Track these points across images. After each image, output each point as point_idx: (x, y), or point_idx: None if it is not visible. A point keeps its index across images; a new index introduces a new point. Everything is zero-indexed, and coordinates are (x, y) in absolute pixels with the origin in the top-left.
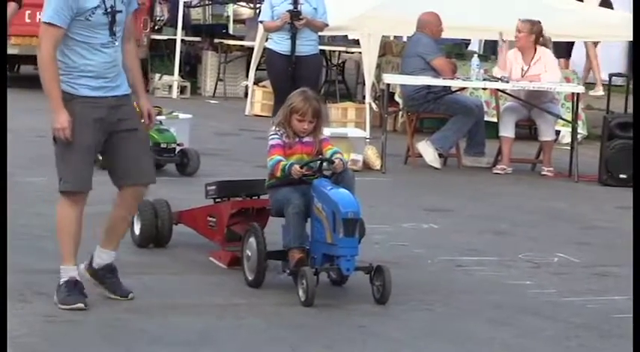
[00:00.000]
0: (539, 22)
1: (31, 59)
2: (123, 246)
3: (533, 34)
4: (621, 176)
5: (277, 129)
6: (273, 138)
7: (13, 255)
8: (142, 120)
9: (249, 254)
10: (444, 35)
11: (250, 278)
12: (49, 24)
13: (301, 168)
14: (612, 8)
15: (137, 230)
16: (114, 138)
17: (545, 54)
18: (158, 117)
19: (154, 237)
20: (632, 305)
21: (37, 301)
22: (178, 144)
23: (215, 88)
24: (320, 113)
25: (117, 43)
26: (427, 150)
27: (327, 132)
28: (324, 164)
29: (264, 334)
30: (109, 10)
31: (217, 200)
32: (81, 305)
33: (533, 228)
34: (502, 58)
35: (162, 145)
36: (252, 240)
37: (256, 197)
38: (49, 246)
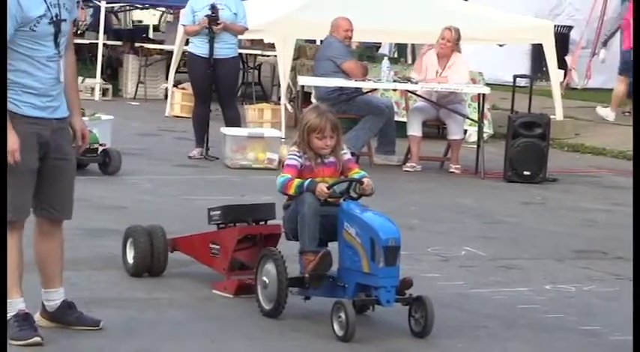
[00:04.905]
0: (459, 30)
1: None
2: None
3: (457, 42)
4: (525, 173)
5: (297, 150)
6: (290, 158)
7: None
8: (73, 144)
9: (267, 281)
10: (357, 38)
11: (268, 307)
12: None
13: (328, 188)
14: None
15: (130, 258)
16: (47, 164)
17: (458, 58)
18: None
19: (149, 265)
20: (537, 296)
21: None
22: (101, 145)
23: (136, 91)
24: (338, 126)
25: (61, 56)
26: None
27: (244, 132)
28: (352, 186)
29: (185, 326)
30: (54, 19)
31: (222, 225)
32: (37, 339)
33: (441, 223)
34: (419, 63)
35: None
36: (269, 266)
37: (263, 222)
38: None
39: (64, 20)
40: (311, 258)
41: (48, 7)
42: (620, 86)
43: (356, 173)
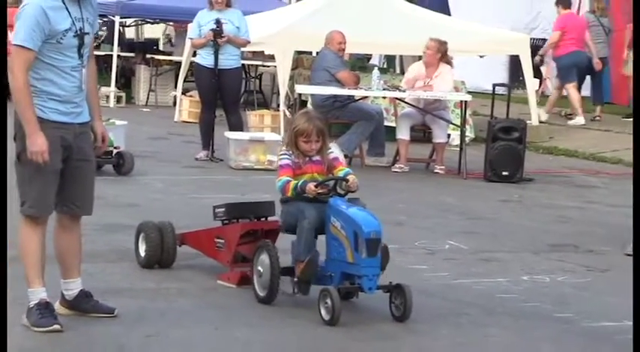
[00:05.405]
0: (446, 43)
1: None
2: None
3: (440, 52)
4: (503, 173)
5: (287, 149)
6: (282, 158)
7: None
8: (95, 145)
9: (261, 270)
10: (349, 50)
11: (262, 294)
12: (22, 47)
13: (316, 186)
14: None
15: (142, 252)
16: (70, 165)
17: (445, 69)
18: None
19: (159, 258)
20: (515, 286)
21: None
22: (115, 148)
23: (147, 98)
24: (324, 131)
25: (84, 66)
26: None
27: (246, 136)
28: (339, 183)
29: (192, 314)
30: (78, 32)
31: (226, 222)
32: (57, 326)
33: (427, 219)
34: (410, 78)
35: None
36: (264, 256)
37: (264, 218)
38: None
39: (87, 33)
40: (302, 266)
41: (73, 21)
42: (572, 94)
43: (341, 170)
